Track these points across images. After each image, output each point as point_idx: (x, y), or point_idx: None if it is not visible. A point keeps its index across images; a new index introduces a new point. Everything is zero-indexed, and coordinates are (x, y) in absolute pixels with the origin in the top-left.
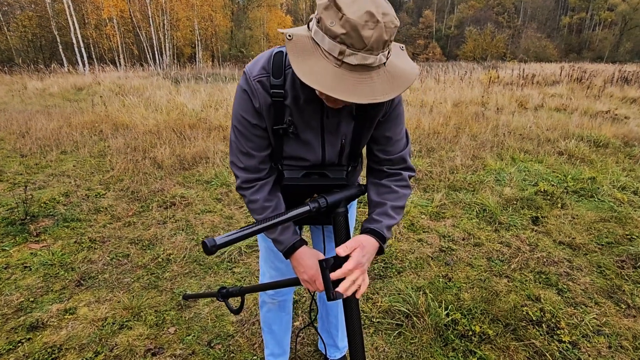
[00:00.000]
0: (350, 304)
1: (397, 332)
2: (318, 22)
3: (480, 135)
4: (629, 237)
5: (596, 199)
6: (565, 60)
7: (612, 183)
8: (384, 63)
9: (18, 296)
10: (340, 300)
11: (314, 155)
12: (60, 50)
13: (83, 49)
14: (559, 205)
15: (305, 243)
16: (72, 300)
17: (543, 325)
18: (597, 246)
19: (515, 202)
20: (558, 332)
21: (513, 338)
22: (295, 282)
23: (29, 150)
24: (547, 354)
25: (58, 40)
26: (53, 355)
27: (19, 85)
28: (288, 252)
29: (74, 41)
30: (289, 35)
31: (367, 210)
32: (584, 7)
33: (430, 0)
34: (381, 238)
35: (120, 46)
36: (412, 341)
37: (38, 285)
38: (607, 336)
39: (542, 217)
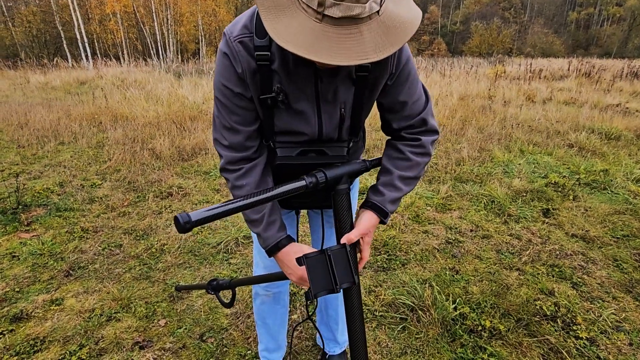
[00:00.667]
0: (351, 295)
1: (401, 326)
2: None
3: (487, 128)
4: None
5: (609, 192)
6: (573, 56)
7: (625, 175)
8: (377, 12)
9: (3, 286)
10: (341, 292)
11: (310, 128)
12: (65, 45)
13: (87, 44)
14: (571, 197)
15: (293, 240)
16: (59, 291)
17: (558, 320)
18: (613, 239)
19: (524, 194)
20: (574, 327)
21: (526, 334)
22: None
23: (26, 141)
24: (564, 351)
25: (62, 35)
26: (35, 348)
27: (21, 79)
28: (271, 251)
29: (78, 36)
30: None
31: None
32: (592, 2)
33: None
34: (383, 213)
35: (123, 41)
36: (417, 336)
37: (25, 275)
38: (628, 332)
39: (553, 209)
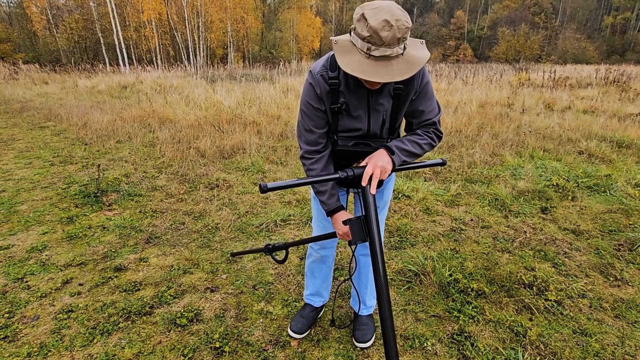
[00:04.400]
0: (377, 262)
1: (406, 286)
2: (354, 29)
3: (501, 134)
4: (632, 226)
5: (608, 194)
6: (607, 62)
7: (627, 180)
8: (402, 53)
9: (102, 248)
10: (371, 264)
11: (362, 125)
12: (104, 51)
13: (124, 50)
14: (570, 197)
15: (344, 208)
16: (144, 253)
17: (534, 287)
18: (600, 233)
19: (527, 194)
20: (546, 293)
21: (505, 295)
22: (332, 235)
23: (89, 139)
24: (533, 307)
25: (101, 41)
26: (136, 287)
27: (70, 83)
28: (330, 213)
29: (116, 42)
30: (335, 41)
31: None
32: (630, 6)
33: (462, 0)
34: (390, 151)
35: (158, 47)
36: (419, 293)
37: (116, 241)
38: (590, 299)
39: (551, 207)
